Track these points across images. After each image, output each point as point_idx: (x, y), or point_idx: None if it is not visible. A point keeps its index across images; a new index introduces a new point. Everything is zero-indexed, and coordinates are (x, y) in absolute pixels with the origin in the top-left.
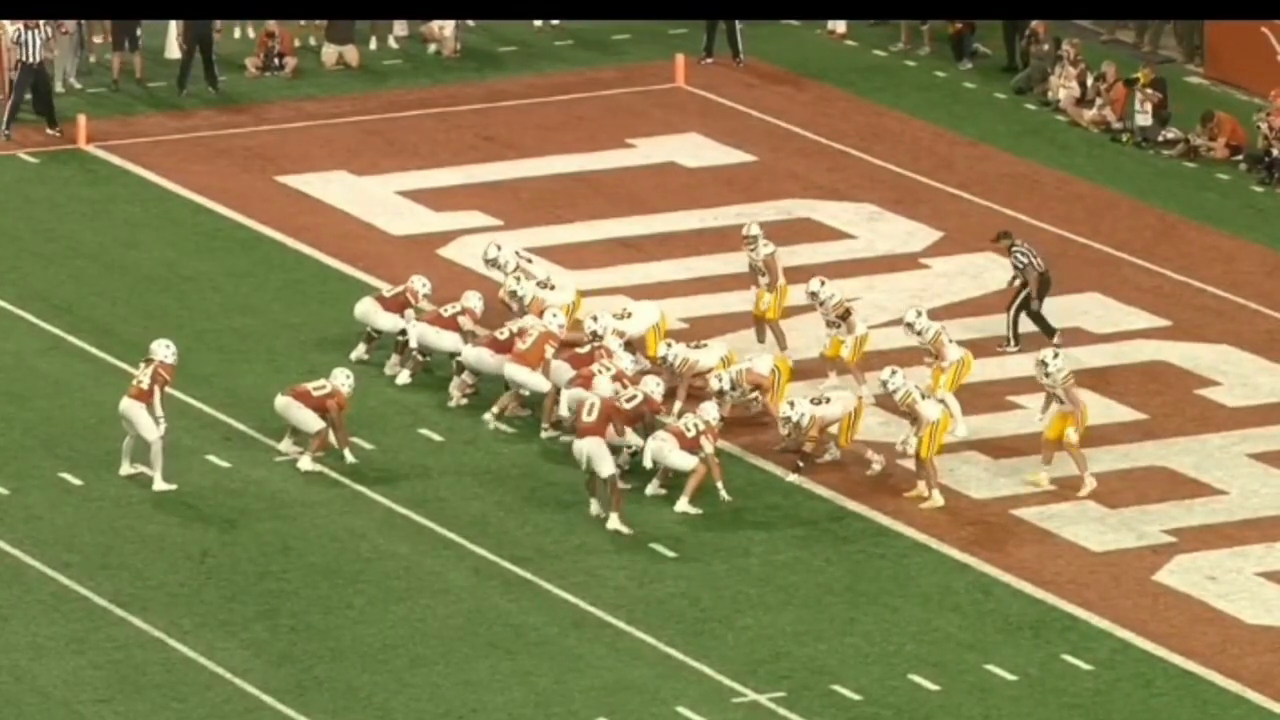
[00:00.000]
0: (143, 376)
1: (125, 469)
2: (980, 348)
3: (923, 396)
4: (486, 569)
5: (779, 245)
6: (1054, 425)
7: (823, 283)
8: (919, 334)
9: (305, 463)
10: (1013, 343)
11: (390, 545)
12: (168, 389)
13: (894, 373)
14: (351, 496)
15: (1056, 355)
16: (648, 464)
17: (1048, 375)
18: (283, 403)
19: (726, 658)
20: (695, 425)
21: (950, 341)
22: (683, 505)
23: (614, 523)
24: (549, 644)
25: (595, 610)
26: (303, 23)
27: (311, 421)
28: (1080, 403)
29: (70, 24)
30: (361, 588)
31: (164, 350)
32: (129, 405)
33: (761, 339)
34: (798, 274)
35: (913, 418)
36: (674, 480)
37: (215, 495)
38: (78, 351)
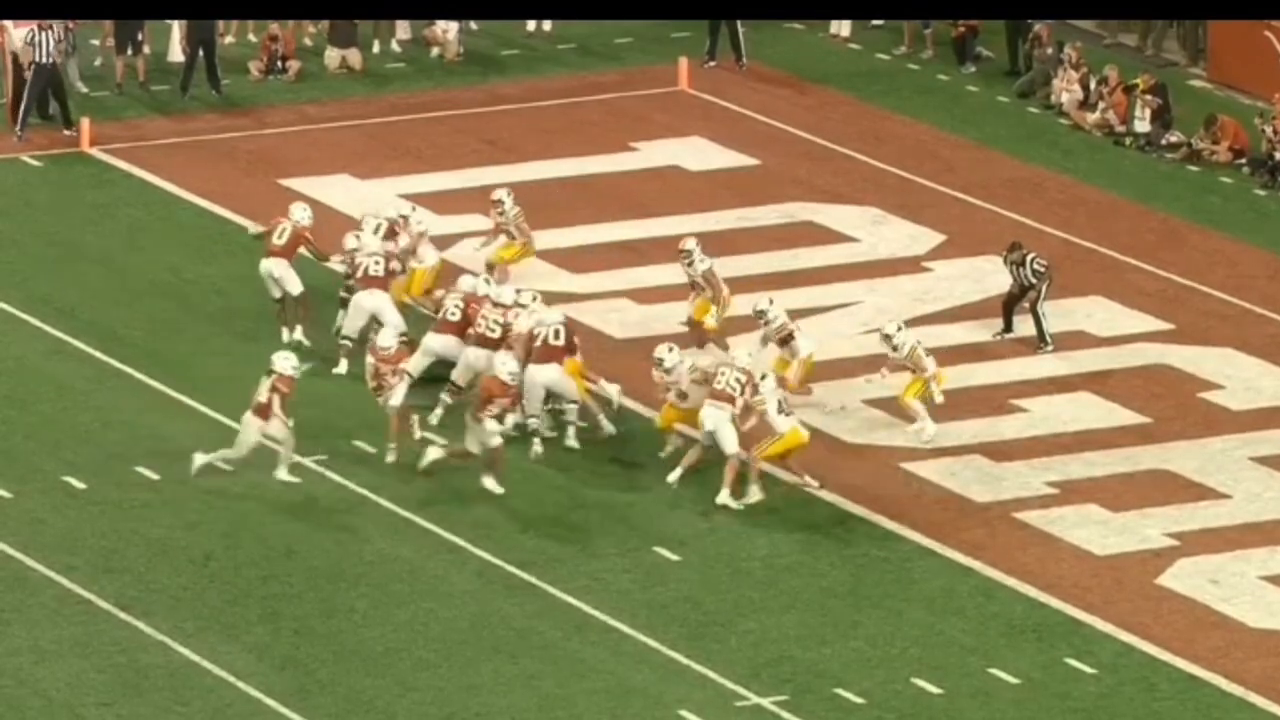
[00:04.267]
0: (262, 391)
1: (199, 462)
2: (983, 351)
3: (780, 409)
4: (490, 573)
5: (783, 248)
6: (910, 388)
7: (771, 301)
8: (895, 349)
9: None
10: (1047, 342)
11: (394, 549)
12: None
13: (764, 378)
14: (355, 500)
15: (900, 328)
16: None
17: (895, 350)
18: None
19: (729, 661)
20: (736, 380)
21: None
22: (723, 498)
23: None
24: (552, 648)
25: (598, 614)
26: (312, 28)
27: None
28: (928, 368)
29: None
30: (365, 591)
31: (284, 363)
32: (248, 420)
33: (701, 346)
34: (801, 278)
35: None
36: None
37: (219, 499)
38: (81, 355)
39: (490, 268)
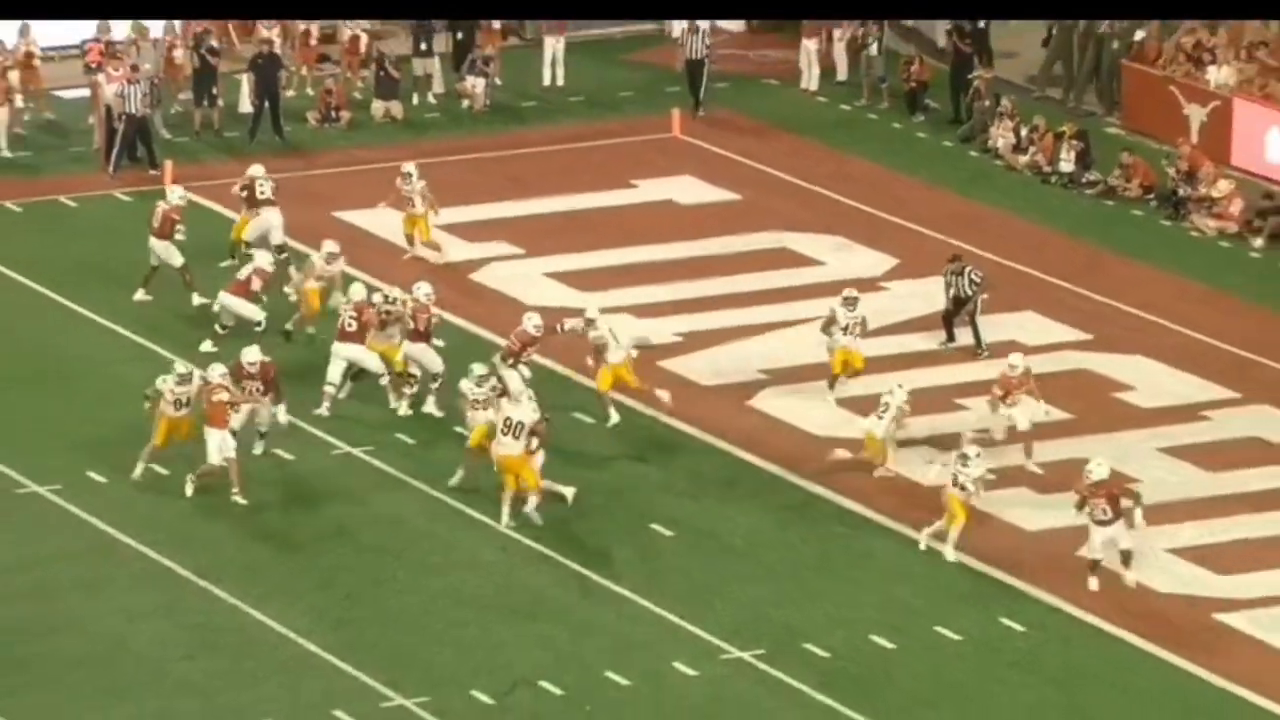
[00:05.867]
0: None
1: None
2: (930, 358)
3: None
4: (511, 547)
5: (762, 270)
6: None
7: (598, 311)
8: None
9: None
10: (982, 349)
11: (430, 526)
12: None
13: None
14: (397, 484)
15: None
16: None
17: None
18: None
19: (715, 622)
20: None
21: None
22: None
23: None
24: (564, 610)
25: (604, 581)
26: (360, 83)
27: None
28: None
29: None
30: (404, 563)
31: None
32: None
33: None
34: (776, 296)
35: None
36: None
37: (279, 485)
38: (160, 359)
39: (410, 240)
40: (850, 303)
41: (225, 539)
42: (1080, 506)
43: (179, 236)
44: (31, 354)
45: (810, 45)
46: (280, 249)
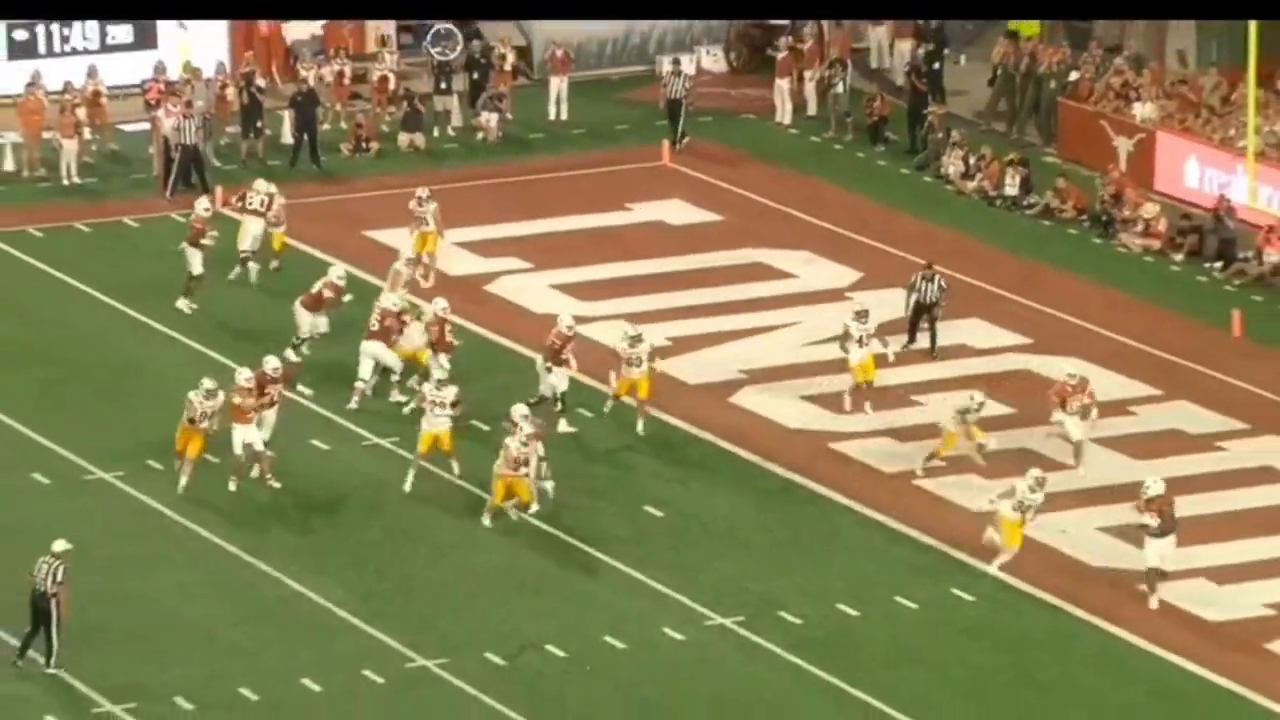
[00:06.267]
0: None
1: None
2: (897, 358)
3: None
4: (519, 528)
5: (741, 282)
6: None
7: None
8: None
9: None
10: (934, 353)
11: (448, 510)
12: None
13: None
14: (421, 474)
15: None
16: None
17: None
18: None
19: (700, 592)
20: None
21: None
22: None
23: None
24: (567, 583)
25: (603, 557)
26: (388, 118)
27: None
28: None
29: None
30: (426, 542)
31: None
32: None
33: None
34: (754, 305)
35: None
36: None
37: (318, 473)
38: (214, 363)
39: (416, 260)
40: (861, 316)
41: (269, 521)
42: (1142, 525)
43: (205, 242)
44: (98, 357)
45: (783, 84)
46: (245, 257)
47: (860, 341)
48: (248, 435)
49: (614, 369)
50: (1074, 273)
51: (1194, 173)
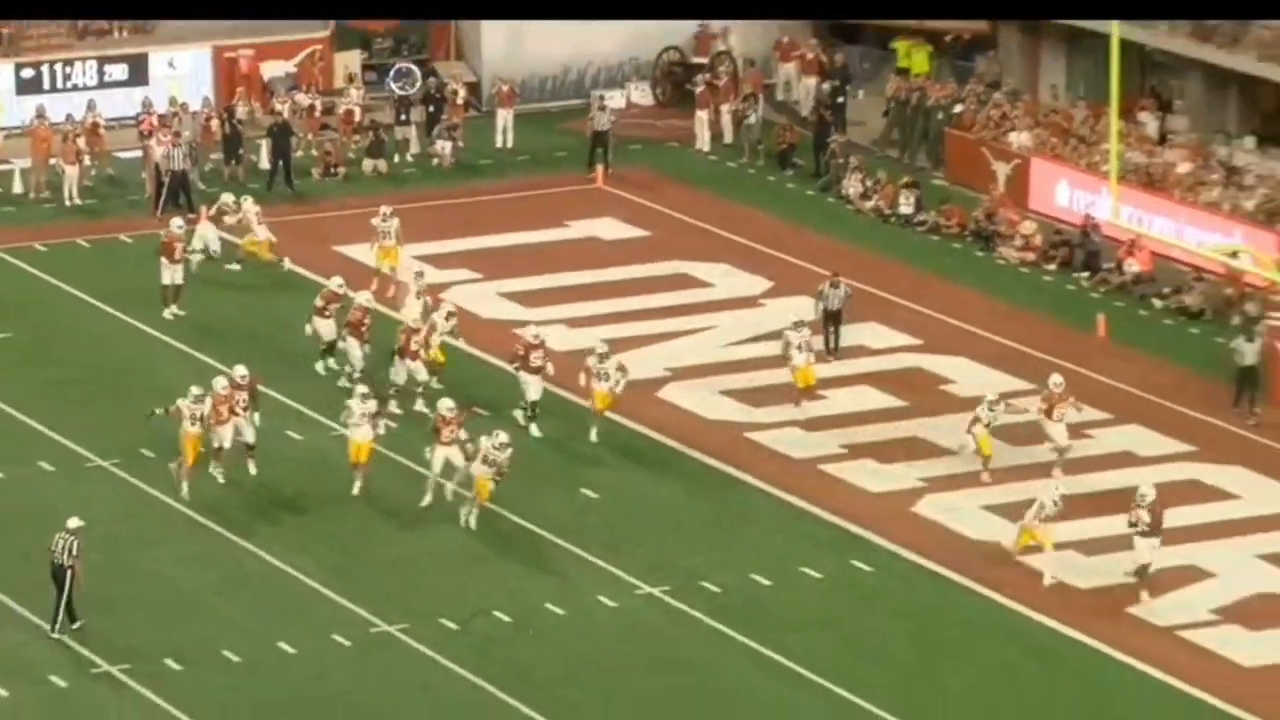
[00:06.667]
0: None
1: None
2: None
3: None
4: (471, 507)
5: (666, 291)
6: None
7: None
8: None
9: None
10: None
11: (407, 493)
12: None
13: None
14: (384, 462)
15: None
16: None
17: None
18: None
19: (632, 565)
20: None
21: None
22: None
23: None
24: (513, 558)
25: (545, 534)
26: (354, 146)
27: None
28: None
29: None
30: (390, 522)
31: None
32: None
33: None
34: (678, 310)
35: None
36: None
37: (293, 459)
38: (199, 363)
39: (378, 271)
40: (799, 326)
41: (251, 503)
42: (1132, 524)
43: (178, 256)
44: (96, 358)
45: (703, 115)
46: (206, 251)
47: (799, 348)
48: (223, 434)
49: (585, 386)
50: (959, 282)
51: (1064, 194)
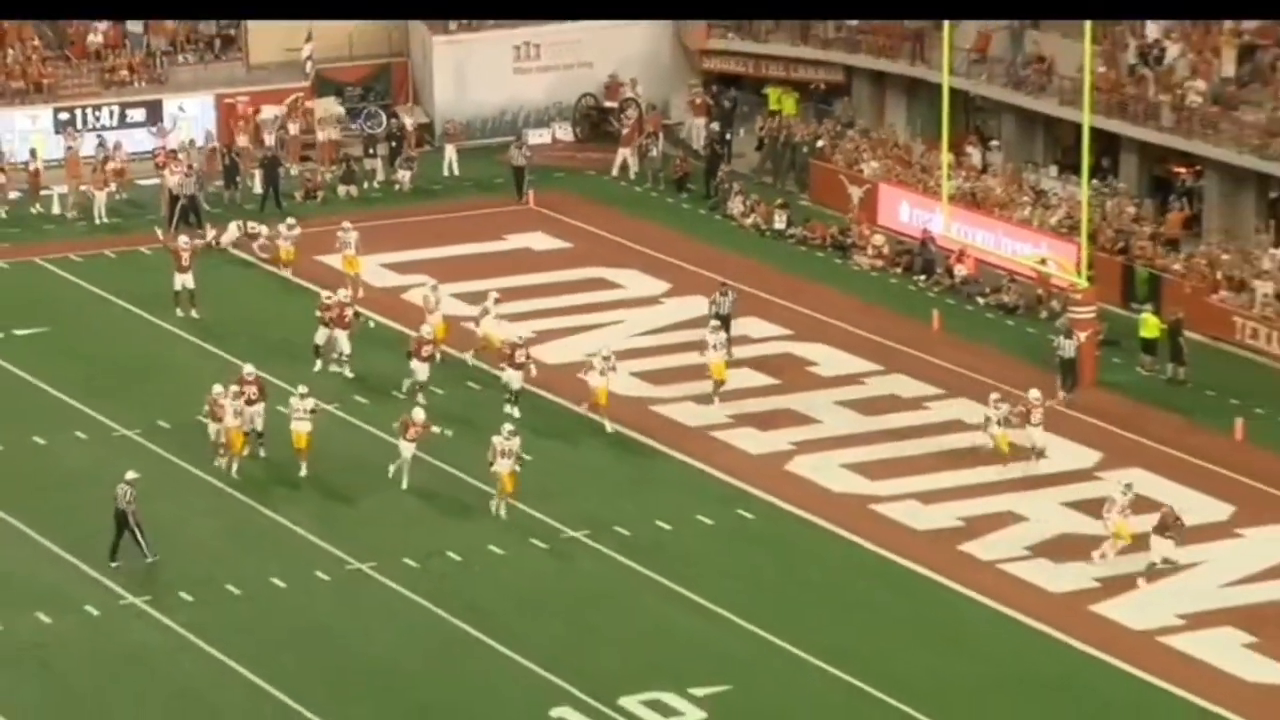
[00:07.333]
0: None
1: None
2: (693, 347)
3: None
4: (430, 470)
5: (587, 291)
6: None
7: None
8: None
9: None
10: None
11: (381, 459)
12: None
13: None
14: (359, 431)
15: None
16: None
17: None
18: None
19: (559, 515)
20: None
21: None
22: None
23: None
24: (463, 510)
25: (489, 490)
26: (327, 173)
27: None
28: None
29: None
30: (364, 480)
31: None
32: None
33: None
34: (594, 308)
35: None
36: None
37: (280, 431)
38: (209, 354)
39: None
40: (716, 329)
41: (251, 466)
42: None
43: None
44: (122, 349)
45: (625, 151)
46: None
47: (715, 347)
48: (212, 430)
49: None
50: (822, 284)
51: (905, 212)
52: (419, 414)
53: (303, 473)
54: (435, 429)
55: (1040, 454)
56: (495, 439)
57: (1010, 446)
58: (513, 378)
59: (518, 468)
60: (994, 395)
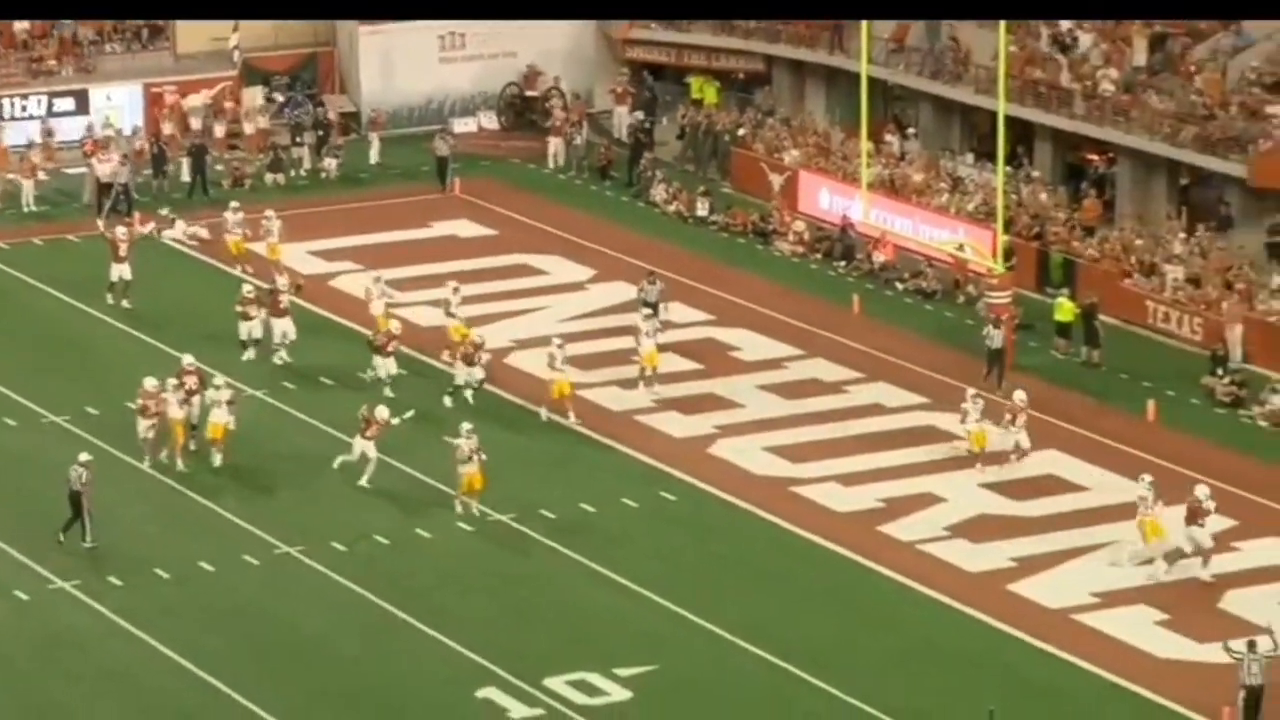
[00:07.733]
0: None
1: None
2: (621, 331)
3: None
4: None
5: (511, 278)
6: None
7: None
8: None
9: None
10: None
11: (319, 449)
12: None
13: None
14: (298, 423)
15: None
16: None
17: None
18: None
19: (486, 499)
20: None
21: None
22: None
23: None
24: (393, 494)
25: (420, 476)
26: (254, 161)
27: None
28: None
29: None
30: (297, 470)
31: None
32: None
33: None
34: (520, 294)
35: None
36: None
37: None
38: (134, 339)
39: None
40: (650, 317)
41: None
42: (1189, 521)
43: (123, 255)
44: (49, 333)
45: (555, 140)
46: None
47: (647, 335)
48: (142, 427)
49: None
50: (743, 270)
51: (826, 199)
52: (382, 411)
53: (217, 463)
54: (395, 420)
55: (1023, 454)
56: (460, 441)
57: (985, 443)
58: (461, 373)
59: (480, 462)
60: (970, 390)
